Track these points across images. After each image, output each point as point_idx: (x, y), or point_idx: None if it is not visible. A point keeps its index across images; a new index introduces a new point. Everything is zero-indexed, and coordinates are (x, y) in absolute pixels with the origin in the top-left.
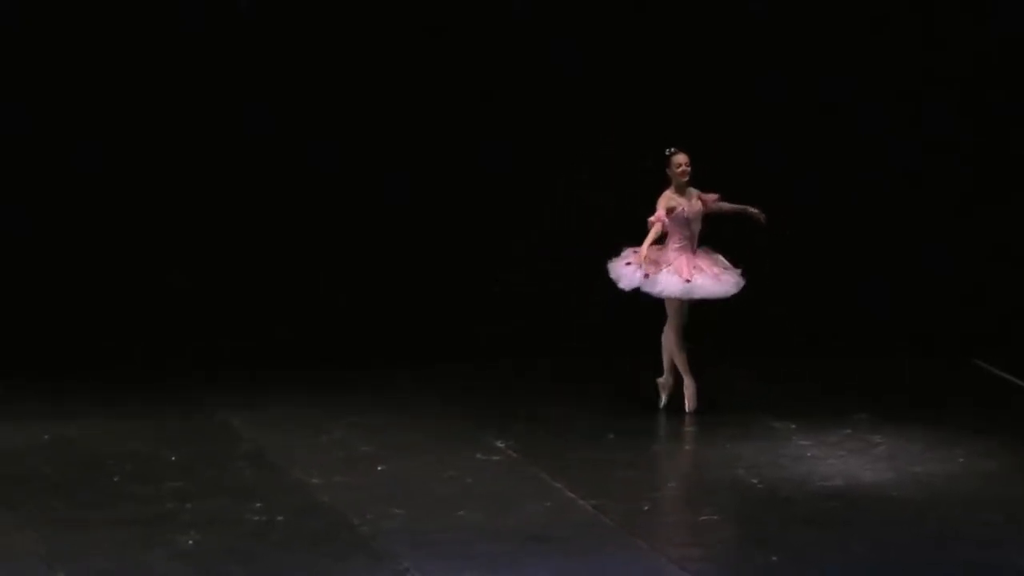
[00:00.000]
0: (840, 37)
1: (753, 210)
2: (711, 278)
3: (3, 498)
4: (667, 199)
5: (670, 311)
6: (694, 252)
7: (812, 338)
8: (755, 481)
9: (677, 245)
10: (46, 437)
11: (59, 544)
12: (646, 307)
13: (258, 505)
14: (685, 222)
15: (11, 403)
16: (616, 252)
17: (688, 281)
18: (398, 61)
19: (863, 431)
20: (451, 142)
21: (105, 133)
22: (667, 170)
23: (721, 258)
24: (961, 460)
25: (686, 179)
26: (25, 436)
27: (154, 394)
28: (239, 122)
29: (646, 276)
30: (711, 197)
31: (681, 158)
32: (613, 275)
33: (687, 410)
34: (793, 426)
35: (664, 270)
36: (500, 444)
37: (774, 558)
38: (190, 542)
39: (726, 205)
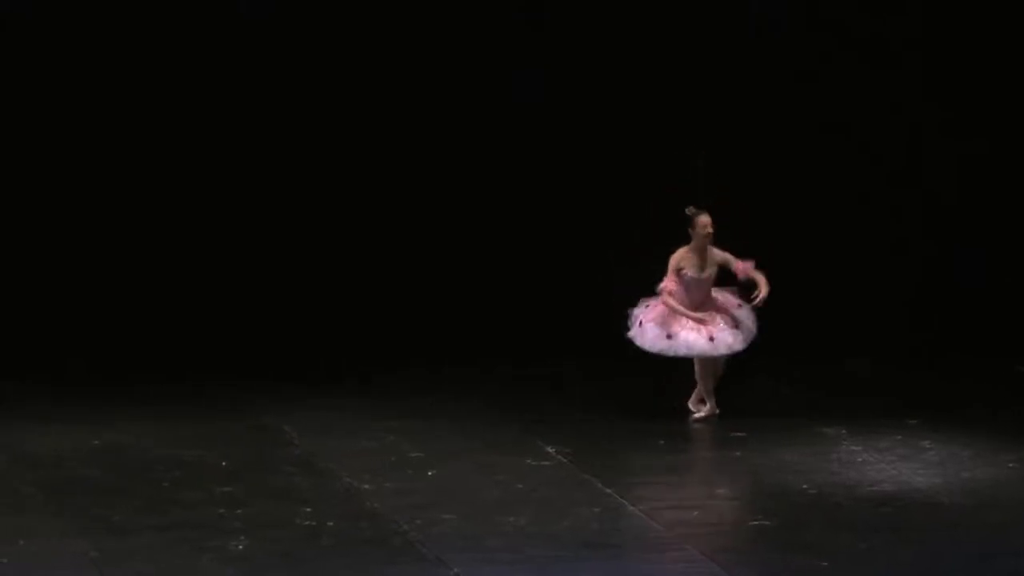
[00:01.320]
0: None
1: (763, 292)
2: (730, 333)
3: (53, 503)
4: (679, 259)
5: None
6: (695, 309)
7: (859, 343)
8: (805, 486)
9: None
10: (96, 442)
11: (109, 549)
12: None
13: (308, 510)
14: (686, 286)
15: (62, 408)
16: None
17: (712, 339)
18: (398, 64)
19: (913, 436)
20: (466, 145)
21: (163, 141)
22: (690, 230)
23: (723, 299)
24: (1011, 466)
25: (710, 239)
26: (75, 441)
27: (203, 400)
28: (271, 130)
29: (668, 337)
30: (745, 265)
31: (705, 219)
32: (638, 340)
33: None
34: (843, 431)
35: (684, 330)
36: (550, 449)
37: (824, 563)
38: (240, 547)
39: (754, 273)
